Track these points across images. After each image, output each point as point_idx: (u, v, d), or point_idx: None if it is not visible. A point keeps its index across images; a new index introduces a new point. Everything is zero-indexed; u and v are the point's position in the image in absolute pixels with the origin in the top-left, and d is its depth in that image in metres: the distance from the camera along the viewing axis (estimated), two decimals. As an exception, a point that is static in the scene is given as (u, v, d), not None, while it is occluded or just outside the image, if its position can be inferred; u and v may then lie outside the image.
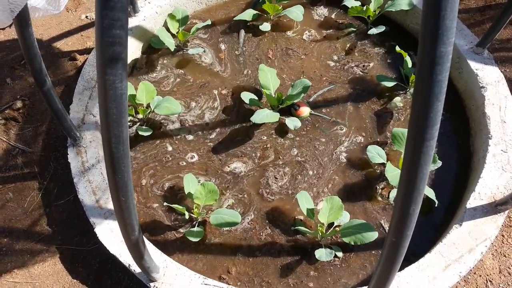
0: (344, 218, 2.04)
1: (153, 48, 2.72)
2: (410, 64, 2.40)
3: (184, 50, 2.69)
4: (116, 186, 1.06)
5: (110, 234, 1.91)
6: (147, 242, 1.91)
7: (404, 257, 1.17)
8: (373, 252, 2.01)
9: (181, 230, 2.11)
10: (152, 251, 1.88)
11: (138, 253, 1.42)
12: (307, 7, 2.86)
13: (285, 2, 2.80)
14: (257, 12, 2.75)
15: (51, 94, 1.85)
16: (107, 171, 1.03)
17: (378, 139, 2.33)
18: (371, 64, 2.60)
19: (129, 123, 2.45)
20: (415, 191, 0.95)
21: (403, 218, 1.02)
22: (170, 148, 2.35)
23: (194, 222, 2.11)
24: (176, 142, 2.37)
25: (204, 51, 2.70)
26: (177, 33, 2.65)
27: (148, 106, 2.40)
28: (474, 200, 1.96)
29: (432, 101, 0.81)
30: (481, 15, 2.91)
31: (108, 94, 0.85)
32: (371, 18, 2.68)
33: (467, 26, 2.54)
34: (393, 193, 2.15)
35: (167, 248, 2.05)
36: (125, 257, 1.84)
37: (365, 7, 2.62)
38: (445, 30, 0.75)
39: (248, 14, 2.73)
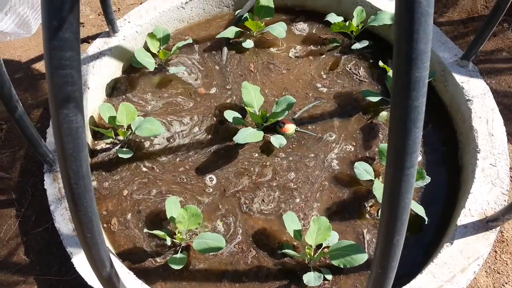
0: (332, 239, 1.98)
1: (134, 68, 2.66)
2: (395, 78, 2.37)
3: (166, 69, 2.64)
4: (80, 223, 0.99)
5: (88, 265, 1.81)
6: (126, 271, 1.83)
7: (394, 279, 1.10)
8: (363, 272, 1.94)
9: (163, 256, 2.02)
10: (132, 282, 1.79)
11: (112, 288, 1.33)
12: (288, 23, 2.83)
13: (268, 19, 2.77)
14: (239, 29, 2.72)
15: (23, 120, 1.78)
16: (69, 208, 0.96)
17: (366, 155, 2.28)
18: (356, 79, 2.56)
19: (109, 145, 2.38)
20: (398, 221, 0.89)
21: (387, 249, 0.95)
22: (151, 170, 2.28)
23: (177, 248, 2.02)
24: (158, 164, 2.30)
25: (186, 70, 2.65)
26: (157, 52, 2.60)
27: (129, 127, 2.34)
28: (465, 216, 1.90)
29: (409, 128, 0.76)
30: (465, 27, 2.90)
31: (62, 128, 0.79)
32: (354, 33, 2.65)
33: (451, 38, 2.52)
34: (382, 211, 2.09)
35: (149, 276, 1.96)
36: (104, 289, 1.74)
37: (347, 23, 2.59)
38: (419, 54, 0.70)
39: (231, 32, 2.70)
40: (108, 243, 2.04)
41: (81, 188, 0.90)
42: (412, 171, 0.82)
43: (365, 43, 2.59)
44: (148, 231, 1.95)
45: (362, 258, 1.83)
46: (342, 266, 1.84)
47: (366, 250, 1.99)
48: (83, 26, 3.07)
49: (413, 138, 0.77)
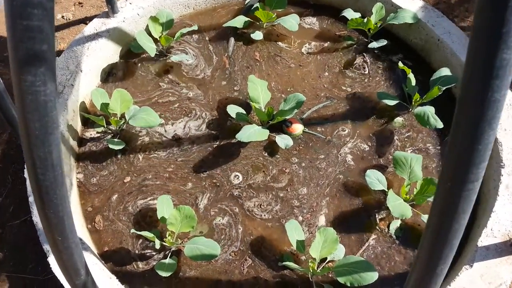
0: (338, 252, 1.79)
1: (132, 53, 2.47)
2: (413, 82, 2.19)
3: (167, 57, 2.45)
4: (48, 223, 0.80)
5: (65, 265, 1.62)
6: (108, 276, 1.64)
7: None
8: (370, 292, 1.75)
9: (151, 260, 1.83)
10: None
11: (88, 299, 1.14)
12: (301, 17, 2.64)
13: (279, 10, 2.58)
14: (248, 19, 2.53)
15: (3, 100, 1.58)
16: (36, 205, 0.77)
17: (379, 163, 2.10)
18: (371, 80, 2.38)
19: (99, 135, 2.18)
20: (446, 248, 0.71)
21: (426, 280, 0.77)
22: (144, 164, 2.08)
23: (167, 252, 1.83)
24: (152, 158, 2.11)
25: (189, 59, 2.46)
26: (159, 37, 2.40)
27: (122, 116, 2.14)
28: (486, 237, 1.72)
29: (483, 130, 0.58)
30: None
31: (25, 101, 0.60)
32: (371, 31, 2.47)
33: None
34: (394, 225, 1.91)
35: (134, 282, 1.77)
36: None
37: (365, 19, 2.41)
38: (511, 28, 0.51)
39: (239, 21, 2.51)
40: (91, 243, 1.84)
41: (49, 181, 0.71)
42: (476, 185, 0.64)
43: (383, 42, 2.41)
44: (135, 231, 1.76)
45: (372, 277, 1.64)
46: (349, 285, 1.65)
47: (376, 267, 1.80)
48: (82, 6, 2.87)
49: (485, 143, 0.59)
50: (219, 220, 1.93)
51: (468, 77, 0.56)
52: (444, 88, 2.09)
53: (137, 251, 1.85)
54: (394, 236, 1.89)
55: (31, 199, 1.80)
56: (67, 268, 0.96)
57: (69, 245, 0.88)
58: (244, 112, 2.16)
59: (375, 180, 1.94)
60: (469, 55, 0.54)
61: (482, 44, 0.53)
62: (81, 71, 2.21)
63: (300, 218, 1.94)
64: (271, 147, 2.14)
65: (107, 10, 2.38)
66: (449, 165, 0.64)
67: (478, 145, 0.59)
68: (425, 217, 1.85)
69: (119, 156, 2.11)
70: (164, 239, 1.78)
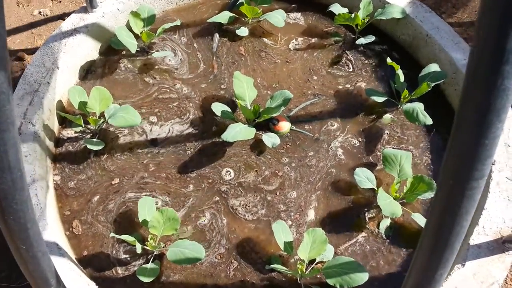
0: (327, 253, 1.74)
1: (113, 50, 2.37)
2: (402, 78, 2.15)
3: (149, 53, 2.36)
4: (9, 231, 0.71)
5: (40, 273, 1.53)
6: (86, 283, 1.55)
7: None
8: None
9: (133, 264, 1.75)
10: (92, 296, 1.51)
11: (60, 310, 1.06)
12: (287, 12, 2.58)
13: (266, 5, 2.52)
14: (233, 15, 2.46)
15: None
16: (-7, 210, 0.69)
17: (368, 160, 2.05)
18: (359, 77, 2.33)
19: (77, 134, 2.08)
20: (447, 251, 0.65)
21: (424, 285, 0.71)
22: (124, 166, 2.00)
23: (149, 256, 1.75)
24: (132, 158, 2.02)
25: (171, 55, 2.37)
26: (141, 33, 2.31)
27: (102, 115, 2.05)
28: (478, 235, 1.69)
29: (490, 121, 0.52)
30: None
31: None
32: (359, 27, 2.42)
33: (462, 39, 2.32)
34: (384, 224, 1.87)
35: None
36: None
37: (353, 15, 2.36)
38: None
39: (224, 17, 2.43)
40: (68, 248, 1.74)
41: (7, 184, 0.63)
42: (481, 183, 0.58)
43: (371, 38, 2.36)
44: (115, 235, 1.67)
45: (362, 278, 1.59)
46: (338, 286, 1.60)
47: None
48: (60, 1, 2.76)
49: (493, 137, 0.53)
50: (203, 221, 1.85)
51: (475, 62, 0.50)
52: (433, 84, 2.05)
53: (117, 256, 1.76)
54: (384, 236, 1.85)
55: (3, 203, 1.70)
56: (35, 278, 0.87)
57: (34, 254, 0.80)
58: (230, 110, 2.09)
59: (364, 178, 1.89)
60: (477, 36, 0.48)
61: (493, 22, 0.47)
62: (57, 68, 2.11)
63: (288, 216, 1.88)
64: (257, 146, 2.07)
65: (85, 5, 2.28)
66: (451, 161, 0.58)
67: (484, 139, 0.54)
68: (415, 216, 1.80)
69: (98, 157, 2.02)
70: (146, 242, 1.70)
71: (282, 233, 1.71)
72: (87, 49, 2.29)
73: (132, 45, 2.23)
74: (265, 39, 2.48)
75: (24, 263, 0.80)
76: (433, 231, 0.66)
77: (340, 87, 2.29)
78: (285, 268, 1.68)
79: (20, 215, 0.69)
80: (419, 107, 2.02)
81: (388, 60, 2.18)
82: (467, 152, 0.55)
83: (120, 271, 1.73)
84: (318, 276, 1.73)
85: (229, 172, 1.99)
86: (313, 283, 1.72)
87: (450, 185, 0.59)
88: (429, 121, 1.97)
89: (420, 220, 1.80)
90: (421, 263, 0.71)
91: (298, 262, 1.67)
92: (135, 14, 2.33)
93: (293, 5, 2.64)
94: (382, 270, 1.77)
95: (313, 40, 2.49)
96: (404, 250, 1.82)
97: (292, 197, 1.93)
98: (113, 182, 1.94)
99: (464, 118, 0.54)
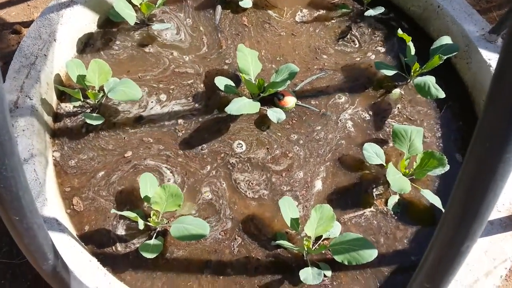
0: (334, 230, 1.69)
1: (111, 22, 2.28)
2: (413, 51, 2.06)
3: (148, 26, 2.27)
4: (0, 200, 0.66)
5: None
6: (88, 259, 1.52)
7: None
8: (367, 269, 1.67)
9: (136, 241, 1.71)
10: (94, 272, 1.48)
11: (59, 284, 1.01)
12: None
13: (270, -25, 2.41)
14: (237, -15, 2.36)
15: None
16: (-19, 177, 0.63)
17: (377, 136, 1.99)
18: (367, 50, 2.25)
19: (76, 109, 2.02)
20: (476, 222, 0.60)
21: (448, 258, 0.66)
22: (125, 140, 1.94)
23: (152, 233, 1.71)
24: (133, 134, 1.96)
25: (172, 27, 2.28)
26: (140, 4, 2.22)
27: (101, 89, 1.98)
28: (490, 212, 1.64)
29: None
30: (487, 2, 2.61)
31: None
32: (367, -2, 2.33)
33: (475, 11, 2.22)
34: (392, 200, 1.82)
35: (117, 264, 1.65)
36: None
37: (361, -15, 2.26)
38: None
39: (227, -13, 2.34)
40: (69, 224, 1.71)
41: (-6, 147, 0.57)
42: (521, 145, 0.51)
43: (380, 10, 2.26)
44: (116, 211, 1.63)
45: (370, 255, 1.55)
46: (346, 263, 1.56)
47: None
48: (56, -28, 2.65)
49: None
50: (208, 197, 1.81)
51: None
52: (445, 57, 1.97)
53: (119, 233, 1.73)
54: (392, 212, 1.80)
55: (1, 178, 1.65)
56: (31, 252, 0.83)
57: (30, 226, 0.75)
58: (233, 84, 2.02)
59: (373, 154, 1.83)
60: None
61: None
62: (55, 40, 2.03)
63: (294, 193, 1.83)
64: (262, 121, 2.01)
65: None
66: (489, 121, 0.52)
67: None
68: (425, 192, 1.75)
69: (97, 132, 1.96)
70: (149, 219, 1.65)
71: (288, 209, 1.66)
72: (85, 21, 2.21)
73: (130, 16, 2.14)
74: (269, 11, 2.39)
75: (18, 235, 0.76)
76: (460, 201, 0.60)
77: (348, 61, 2.21)
78: (291, 244, 1.64)
79: (11, 183, 0.64)
80: (430, 80, 1.95)
81: (399, 31, 2.09)
82: (503, 115, 0.49)
83: (121, 247, 1.70)
84: (324, 252, 1.70)
85: (233, 146, 1.93)
86: (320, 260, 1.68)
87: (485, 148, 0.53)
88: (441, 94, 1.90)
89: (429, 196, 1.75)
90: (445, 236, 0.65)
91: (304, 239, 1.63)
92: (135, -16, 2.23)
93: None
94: (389, 247, 1.73)
95: (319, 12, 2.39)
96: (412, 226, 1.78)
97: (299, 177, 1.88)
98: (114, 158, 1.89)
99: (501, 80, 0.48)
